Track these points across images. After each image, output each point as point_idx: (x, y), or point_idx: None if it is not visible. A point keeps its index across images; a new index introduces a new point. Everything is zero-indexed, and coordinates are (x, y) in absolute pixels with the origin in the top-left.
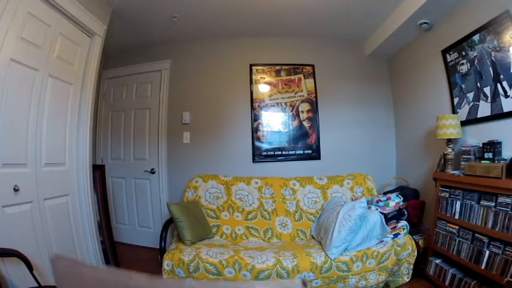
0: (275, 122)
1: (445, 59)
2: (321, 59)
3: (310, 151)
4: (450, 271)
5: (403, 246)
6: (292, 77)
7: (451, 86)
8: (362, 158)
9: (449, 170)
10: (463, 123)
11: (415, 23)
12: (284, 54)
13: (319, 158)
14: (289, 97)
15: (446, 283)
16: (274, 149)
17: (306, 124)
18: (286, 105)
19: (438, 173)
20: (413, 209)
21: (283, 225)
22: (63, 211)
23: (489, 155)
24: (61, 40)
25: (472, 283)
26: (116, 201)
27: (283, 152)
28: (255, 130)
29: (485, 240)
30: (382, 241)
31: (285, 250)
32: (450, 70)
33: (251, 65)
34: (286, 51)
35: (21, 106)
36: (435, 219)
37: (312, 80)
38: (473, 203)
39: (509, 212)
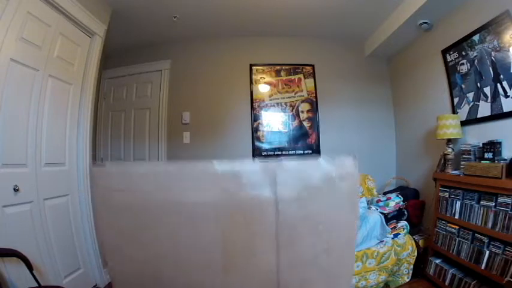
0: (275, 122)
1: (445, 59)
2: (321, 59)
3: (310, 151)
4: (450, 271)
5: (403, 246)
6: (292, 77)
7: (451, 86)
8: (362, 158)
9: (449, 170)
10: (463, 123)
11: (415, 23)
12: (284, 54)
13: None
14: (289, 97)
15: (446, 283)
16: (274, 149)
17: (306, 124)
18: (286, 105)
19: (438, 173)
20: (414, 209)
21: None
22: (63, 211)
23: (489, 155)
24: (61, 40)
25: (472, 283)
26: None
27: (283, 152)
28: (255, 130)
29: (485, 240)
30: (382, 241)
31: None
32: (450, 70)
33: (251, 65)
34: (286, 51)
35: (21, 106)
36: (435, 219)
37: (312, 80)
38: (473, 203)
39: (509, 212)
